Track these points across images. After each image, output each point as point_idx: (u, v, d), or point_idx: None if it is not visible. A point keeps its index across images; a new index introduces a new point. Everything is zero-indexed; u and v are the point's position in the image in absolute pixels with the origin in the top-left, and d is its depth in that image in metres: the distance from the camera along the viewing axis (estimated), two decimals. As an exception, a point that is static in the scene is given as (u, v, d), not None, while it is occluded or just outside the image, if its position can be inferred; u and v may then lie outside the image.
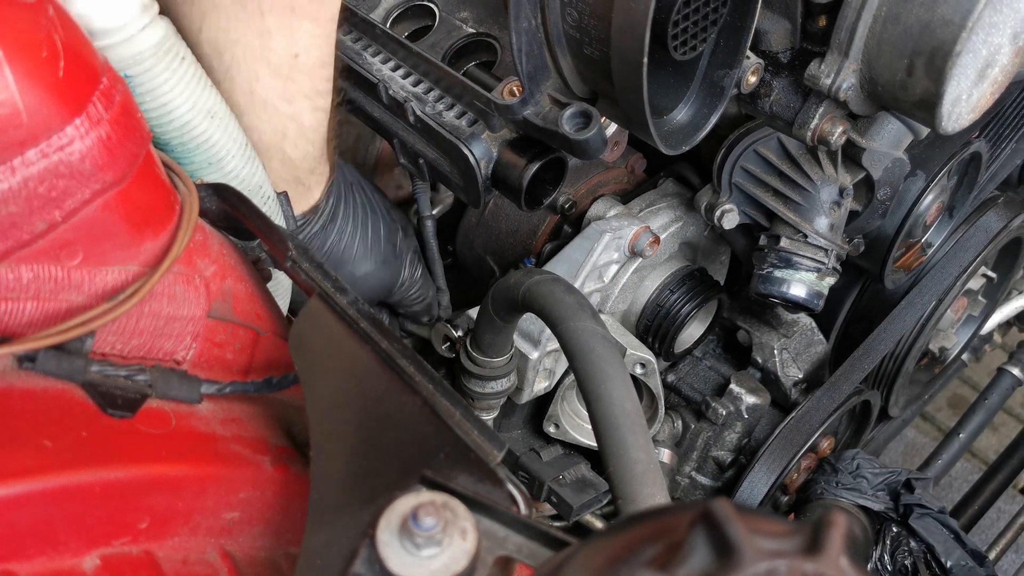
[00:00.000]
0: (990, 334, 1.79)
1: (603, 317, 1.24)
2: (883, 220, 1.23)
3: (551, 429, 1.30)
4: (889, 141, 1.10)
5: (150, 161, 0.77)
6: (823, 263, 1.20)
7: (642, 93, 0.86)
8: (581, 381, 0.86)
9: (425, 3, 1.18)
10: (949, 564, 1.29)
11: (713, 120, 0.97)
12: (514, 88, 0.99)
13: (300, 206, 1.03)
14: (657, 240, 1.23)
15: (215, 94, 0.90)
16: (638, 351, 1.22)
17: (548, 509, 1.32)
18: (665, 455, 1.36)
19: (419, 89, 1.06)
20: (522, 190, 1.01)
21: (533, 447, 1.33)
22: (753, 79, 1.00)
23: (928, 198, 1.29)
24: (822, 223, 1.18)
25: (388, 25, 1.15)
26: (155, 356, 0.80)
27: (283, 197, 1.01)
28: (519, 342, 1.18)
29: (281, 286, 1.02)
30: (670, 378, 1.40)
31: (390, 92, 1.05)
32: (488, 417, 1.23)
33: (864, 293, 1.48)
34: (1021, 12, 0.89)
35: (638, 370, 1.23)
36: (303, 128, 0.96)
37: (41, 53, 0.66)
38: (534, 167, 1.01)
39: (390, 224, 1.16)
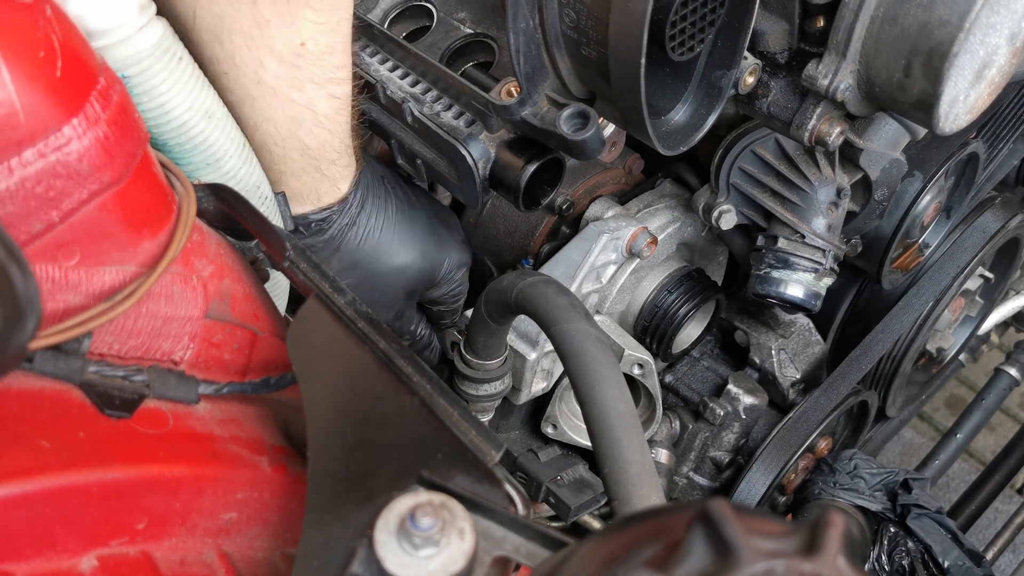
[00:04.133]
0: (987, 334, 1.79)
1: (601, 318, 1.25)
2: (880, 221, 1.23)
3: (549, 430, 1.30)
4: (887, 142, 1.10)
5: (148, 161, 0.77)
6: (820, 263, 1.20)
7: (640, 94, 0.86)
8: (575, 383, 0.86)
9: (423, 3, 1.18)
10: (946, 564, 1.29)
11: (711, 121, 0.98)
12: (512, 88, 0.99)
13: (325, 198, 1.03)
14: (655, 241, 1.23)
15: (213, 94, 0.90)
16: (636, 352, 1.22)
17: (546, 510, 1.32)
18: (663, 455, 1.36)
19: (417, 90, 1.06)
20: (520, 190, 1.01)
21: (531, 448, 1.33)
22: (751, 80, 1.00)
23: (925, 199, 1.30)
24: (820, 224, 1.18)
25: (386, 25, 1.16)
26: (153, 356, 0.80)
27: (280, 197, 1.01)
28: (517, 343, 1.18)
29: (279, 286, 1.02)
30: (668, 379, 1.40)
31: (388, 92, 1.05)
32: (483, 420, 1.23)
33: (862, 293, 1.48)
34: (1018, 13, 0.90)
35: (636, 370, 1.23)
36: (318, 116, 0.95)
37: (38, 53, 0.66)
38: (532, 167, 1.01)
39: (432, 216, 1.15)
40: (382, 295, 1.12)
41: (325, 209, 1.03)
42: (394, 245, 1.10)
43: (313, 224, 1.04)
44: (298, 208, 1.03)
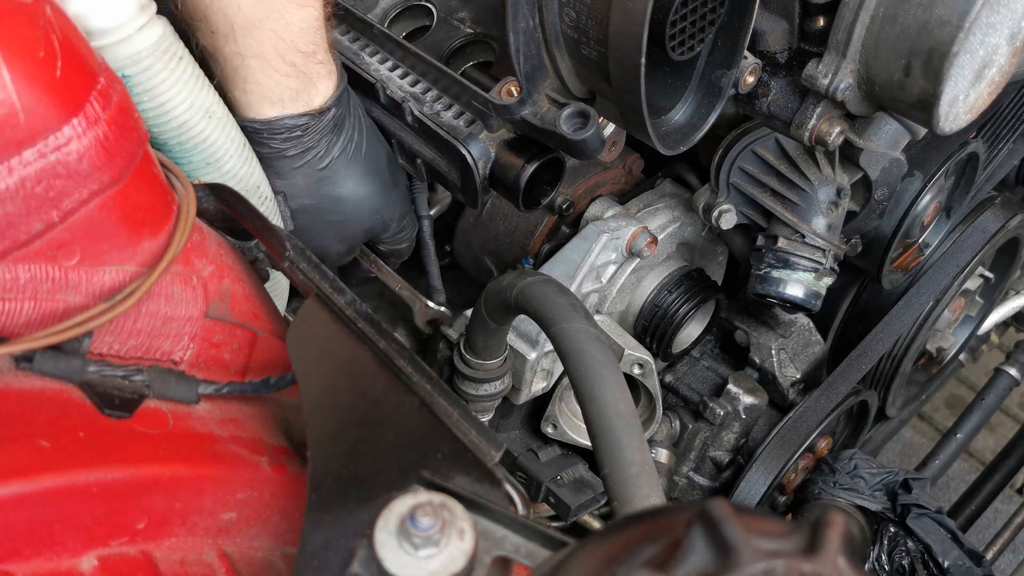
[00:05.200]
0: (987, 334, 1.79)
1: (601, 318, 1.24)
2: (880, 220, 1.23)
3: (549, 430, 1.30)
4: (887, 141, 1.10)
5: (147, 161, 0.77)
6: (820, 263, 1.20)
7: (640, 93, 0.86)
8: (575, 383, 0.86)
9: (423, 3, 1.18)
10: (946, 564, 1.29)
11: (711, 120, 0.98)
12: (512, 88, 0.99)
13: (300, 104, 0.96)
14: (655, 240, 1.23)
15: (213, 94, 0.90)
16: (636, 351, 1.22)
17: (546, 510, 1.32)
18: (663, 455, 1.36)
19: (417, 89, 1.06)
20: (520, 190, 1.01)
21: (531, 447, 1.33)
22: (751, 79, 1.00)
23: (925, 198, 1.29)
24: (820, 223, 1.18)
25: (386, 25, 1.15)
26: (152, 356, 0.80)
27: (281, 197, 1.01)
28: (517, 343, 1.18)
29: (279, 286, 1.02)
30: (668, 378, 1.40)
31: (388, 92, 1.05)
32: (483, 419, 1.23)
33: (862, 293, 1.48)
34: (1018, 12, 0.89)
35: (636, 370, 1.23)
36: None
37: (38, 53, 0.66)
38: (532, 167, 1.01)
39: (390, 154, 1.10)
40: (341, 228, 1.07)
41: (303, 115, 0.96)
42: (359, 172, 1.04)
43: (285, 132, 0.97)
44: (270, 111, 0.96)
